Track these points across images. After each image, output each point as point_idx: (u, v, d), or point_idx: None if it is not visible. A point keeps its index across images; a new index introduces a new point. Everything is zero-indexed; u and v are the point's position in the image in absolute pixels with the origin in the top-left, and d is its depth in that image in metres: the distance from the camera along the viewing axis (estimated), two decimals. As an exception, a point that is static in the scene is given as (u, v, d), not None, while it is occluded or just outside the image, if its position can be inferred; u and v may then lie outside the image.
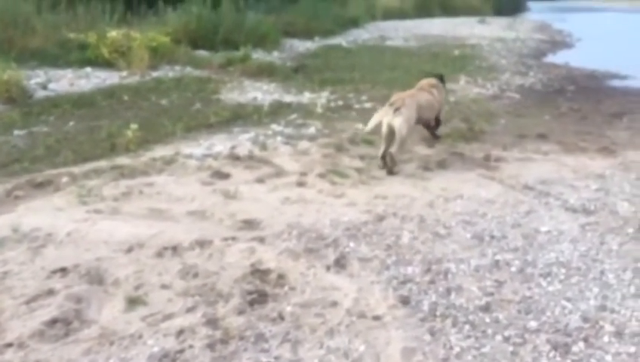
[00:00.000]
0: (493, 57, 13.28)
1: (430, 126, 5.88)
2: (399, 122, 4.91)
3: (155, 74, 9.09)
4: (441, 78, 6.12)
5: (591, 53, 15.73)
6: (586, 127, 6.76)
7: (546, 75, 11.01)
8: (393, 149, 4.91)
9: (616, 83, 10.65)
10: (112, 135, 5.56)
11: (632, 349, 2.55)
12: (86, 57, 9.34)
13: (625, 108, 8.04)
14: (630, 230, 3.79)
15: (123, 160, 4.90)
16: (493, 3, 33.88)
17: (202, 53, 11.03)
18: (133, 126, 5.43)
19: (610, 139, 6.18)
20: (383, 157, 4.98)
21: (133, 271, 3.01)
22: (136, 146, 5.26)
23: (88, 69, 8.98)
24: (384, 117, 4.96)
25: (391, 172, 4.89)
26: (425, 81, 5.91)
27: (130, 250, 3.24)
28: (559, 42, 18.68)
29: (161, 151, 5.19)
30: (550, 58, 14.46)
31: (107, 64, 9.27)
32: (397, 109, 4.95)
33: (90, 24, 10.52)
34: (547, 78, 10.64)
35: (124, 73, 8.96)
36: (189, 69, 9.66)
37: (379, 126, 4.98)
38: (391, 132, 4.92)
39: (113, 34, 9.63)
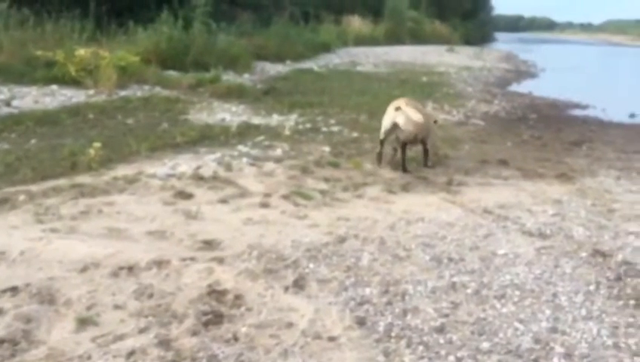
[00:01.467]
0: (459, 85, 13.60)
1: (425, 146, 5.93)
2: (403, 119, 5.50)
3: (122, 93, 9.04)
4: None
5: (553, 83, 16.26)
6: (545, 154, 6.95)
7: (510, 103, 11.32)
8: (428, 146, 5.79)
9: (576, 112, 11.02)
10: (74, 153, 5.48)
11: (581, 370, 2.61)
12: (52, 75, 9.23)
13: (584, 136, 8.31)
14: (584, 254, 3.89)
15: (84, 178, 4.83)
16: (461, 32, 34.80)
17: (172, 73, 11.01)
18: (96, 144, 5.36)
19: (569, 166, 6.36)
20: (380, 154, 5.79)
21: (86, 291, 2.95)
22: (99, 165, 5.20)
23: (54, 87, 8.87)
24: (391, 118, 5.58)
25: (426, 165, 5.80)
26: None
27: (84, 269, 3.18)
28: (524, 72, 19.27)
29: (123, 170, 5.14)
30: (515, 87, 14.89)
31: (74, 82, 9.18)
32: (398, 108, 5.51)
33: (59, 42, 10.42)
34: (511, 106, 10.94)
35: (91, 92, 8.88)
36: (157, 89, 9.63)
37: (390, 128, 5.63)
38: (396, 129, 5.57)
39: (81, 52, 9.56)
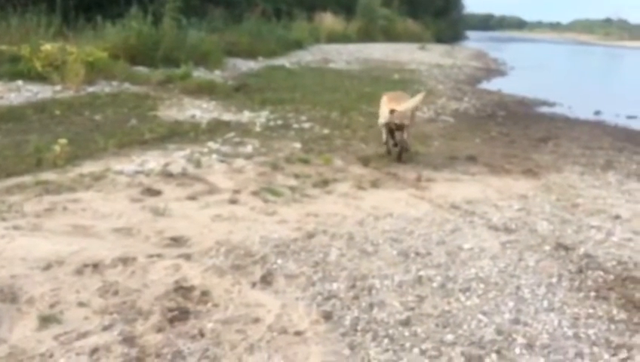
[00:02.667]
0: (430, 82, 13.73)
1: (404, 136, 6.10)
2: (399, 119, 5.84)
3: (90, 89, 8.88)
4: None
5: (522, 81, 16.53)
6: (513, 151, 7.08)
7: (480, 100, 11.48)
8: (405, 136, 5.97)
9: (544, 109, 11.23)
10: (39, 150, 5.36)
11: (542, 360, 2.67)
12: (18, 70, 9.00)
13: (551, 133, 8.48)
14: (547, 247, 3.99)
15: (49, 175, 4.74)
16: (433, 31, 35.11)
17: (141, 69, 10.86)
18: (62, 141, 5.27)
19: (535, 162, 6.49)
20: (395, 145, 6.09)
21: (49, 289, 2.90)
22: (64, 162, 5.10)
23: (20, 82, 8.66)
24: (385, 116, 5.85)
25: (400, 158, 5.96)
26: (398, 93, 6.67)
27: (48, 267, 3.13)
28: (494, 70, 19.55)
29: (90, 167, 5.06)
30: (484, 85, 15.10)
31: (40, 78, 8.96)
32: (392, 111, 5.78)
33: (24, 36, 10.18)
34: (480, 103, 11.09)
35: (58, 87, 8.70)
36: (126, 85, 9.49)
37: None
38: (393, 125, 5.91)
39: (48, 47, 9.34)
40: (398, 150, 6.11)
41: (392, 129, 6.06)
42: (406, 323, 2.88)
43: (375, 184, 5.28)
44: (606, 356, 2.76)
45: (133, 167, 5.12)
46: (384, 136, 6.21)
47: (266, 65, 14.60)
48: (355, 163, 5.93)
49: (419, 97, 6.27)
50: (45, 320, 2.64)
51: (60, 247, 3.36)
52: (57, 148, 5.19)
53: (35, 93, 8.24)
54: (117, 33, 11.35)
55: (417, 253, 3.74)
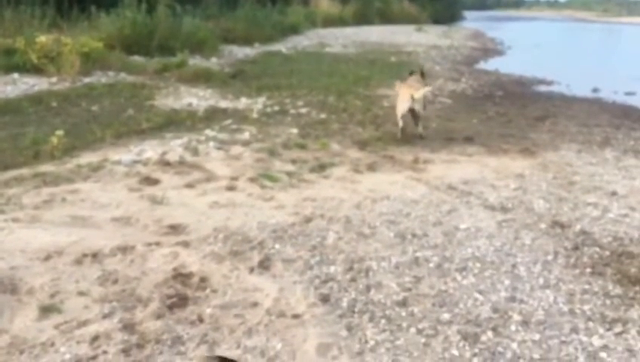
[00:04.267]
0: (428, 64, 13.64)
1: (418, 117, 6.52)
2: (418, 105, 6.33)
3: (86, 80, 8.87)
4: (422, 73, 7.31)
5: (520, 60, 16.45)
6: (510, 130, 7.07)
7: (477, 81, 11.44)
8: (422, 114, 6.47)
9: (541, 88, 11.19)
10: (36, 142, 5.38)
11: (537, 336, 2.71)
12: (13, 63, 9.00)
13: (548, 112, 8.46)
14: (543, 225, 4.01)
15: (47, 167, 4.76)
16: (430, 12, 34.86)
17: (137, 58, 10.83)
18: (59, 132, 5.28)
19: (532, 141, 6.49)
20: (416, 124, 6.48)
21: (49, 279, 2.94)
22: (62, 153, 5.12)
23: (15, 75, 8.66)
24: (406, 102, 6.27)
25: (422, 136, 6.38)
26: (414, 78, 7.03)
27: (47, 258, 3.16)
28: (491, 50, 19.44)
29: (87, 157, 5.08)
30: (482, 65, 15.02)
31: (36, 70, 8.96)
32: (413, 98, 6.21)
33: (19, 29, 10.15)
34: (478, 84, 11.05)
35: (54, 79, 8.70)
36: (122, 75, 9.47)
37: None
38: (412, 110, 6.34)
39: (42, 39, 9.31)
40: (420, 129, 6.50)
41: (413, 112, 6.45)
42: (403, 303, 2.92)
43: (372, 167, 5.29)
44: (601, 330, 2.79)
45: (131, 156, 5.14)
46: (400, 122, 6.44)
47: (262, 51, 14.55)
48: (351, 147, 5.94)
49: (429, 88, 6.99)
50: (46, 310, 2.68)
51: (59, 238, 3.39)
52: (54, 139, 5.20)
53: (31, 85, 8.23)
54: (111, 23, 11.32)
55: (414, 235, 3.76)
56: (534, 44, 22.92)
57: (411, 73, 7.27)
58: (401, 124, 6.40)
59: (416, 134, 6.45)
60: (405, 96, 6.34)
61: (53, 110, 6.99)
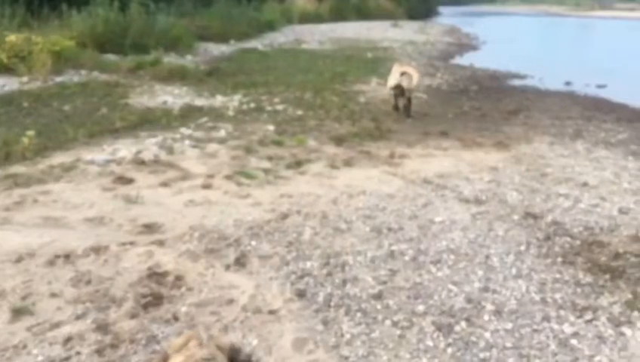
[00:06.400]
0: (404, 60, 13.71)
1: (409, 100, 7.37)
2: (407, 82, 7.10)
3: (58, 79, 8.72)
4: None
5: (494, 54, 16.62)
6: (484, 124, 7.16)
7: (452, 76, 11.54)
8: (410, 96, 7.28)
9: (515, 82, 11.33)
10: (7, 143, 5.28)
11: (509, 325, 2.75)
12: (-18, 63, 8.81)
13: (522, 105, 8.58)
14: (516, 217, 4.07)
15: (18, 168, 4.68)
16: (406, 7, 34.97)
17: (110, 57, 10.68)
18: (30, 132, 5.20)
19: (506, 135, 6.58)
20: (397, 108, 7.39)
21: (21, 281, 2.89)
22: (33, 154, 5.04)
23: (-15, 76, 8.49)
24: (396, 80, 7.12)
25: (409, 114, 7.22)
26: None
27: (19, 259, 3.11)
28: (466, 45, 19.60)
29: (60, 158, 5.00)
30: (457, 60, 15.14)
31: (6, 70, 8.77)
32: (403, 74, 7.09)
33: (-13, 28, 9.93)
34: (453, 78, 11.15)
35: (25, 79, 8.53)
36: (95, 74, 9.34)
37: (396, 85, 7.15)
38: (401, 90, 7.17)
39: (12, 38, 9.13)
40: (407, 108, 7.30)
41: (403, 90, 7.18)
42: (378, 296, 2.94)
43: (348, 163, 5.31)
44: (572, 318, 2.86)
45: (104, 156, 5.08)
46: (393, 99, 7.47)
47: (238, 48, 14.47)
48: (328, 143, 5.95)
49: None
50: (18, 312, 2.64)
51: (30, 239, 3.34)
52: (26, 140, 5.12)
53: (2, 85, 8.06)
54: (83, 21, 11.13)
55: (390, 229, 3.79)
56: (509, 38, 23.16)
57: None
58: (393, 102, 7.41)
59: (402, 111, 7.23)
60: (395, 75, 7.21)
61: (24, 110, 6.87)
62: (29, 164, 4.80)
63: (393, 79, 7.27)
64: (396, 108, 7.46)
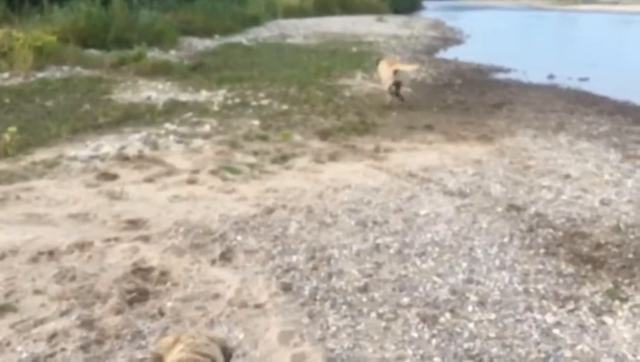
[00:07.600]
0: (388, 54, 13.73)
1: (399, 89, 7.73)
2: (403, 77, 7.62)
3: (40, 75, 8.62)
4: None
5: (478, 48, 16.70)
6: (469, 118, 7.20)
7: (437, 69, 11.58)
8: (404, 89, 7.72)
9: (499, 76, 11.41)
10: (-12, 140, 5.22)
11: (493, 316, 2.79)
12: (-38, 59, 8.69)
13: (505, 98, 8.64)
14: (499, 209, 4.12)
15: (0, 165, 4.63)
16: (390, 2, 34.95)
17: (93, 52, 10.57)
18: (12, 129, 5.14)
19: (490, 128, 6.63)
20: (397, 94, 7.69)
21: (4, 279, 2.87)
22: (15, 150, 4.99)
23: (-36, 72, 8.36)
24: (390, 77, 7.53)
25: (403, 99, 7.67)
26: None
27: (2, 257, 3.09)
28: (450, 39, 19.66)
29: (42, 154, 4.96)
30: (441, 54, 15.20)
31: (-14, 66, 8.67)
32: (395, 72, 7.47)
33: (-33, 24, 9.79)
34: (437, 72, 11.19)
35: (6, 75, 8.42)
36: (78, 69, 9.24)
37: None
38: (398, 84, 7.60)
39: (-7, 33, 9.02)
40: (400, 100, 7.66)
41: (399, 84, 7.58)
42: (364, 289, 2.96)
43: (334, 157, 5.32)
44: (554, 308, 2.90)
45: (88, 152, 5.04)
46: (388, 95, 7.74)
47: (222, 43, 14.38)
48: (313, 137, 5.96)
49: (414, 66, 8.80)
50: (1, 310, 2.62)
51: (13, 237, 3.31)
52: (7, 136, 5.06)
53: (-18, 81, 7.96)
54: (65, 16, 11.00)
55: (375, 222, 3.81)
56: (492, 32, 23.30)
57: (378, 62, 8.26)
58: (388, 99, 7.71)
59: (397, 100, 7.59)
60: (388, 73, 7.58)
61: (5, 106, 6.78)
62: (12, 161, 4.75)
63: (388, 80, 7.61)
64: (402, 99, 7.74)
